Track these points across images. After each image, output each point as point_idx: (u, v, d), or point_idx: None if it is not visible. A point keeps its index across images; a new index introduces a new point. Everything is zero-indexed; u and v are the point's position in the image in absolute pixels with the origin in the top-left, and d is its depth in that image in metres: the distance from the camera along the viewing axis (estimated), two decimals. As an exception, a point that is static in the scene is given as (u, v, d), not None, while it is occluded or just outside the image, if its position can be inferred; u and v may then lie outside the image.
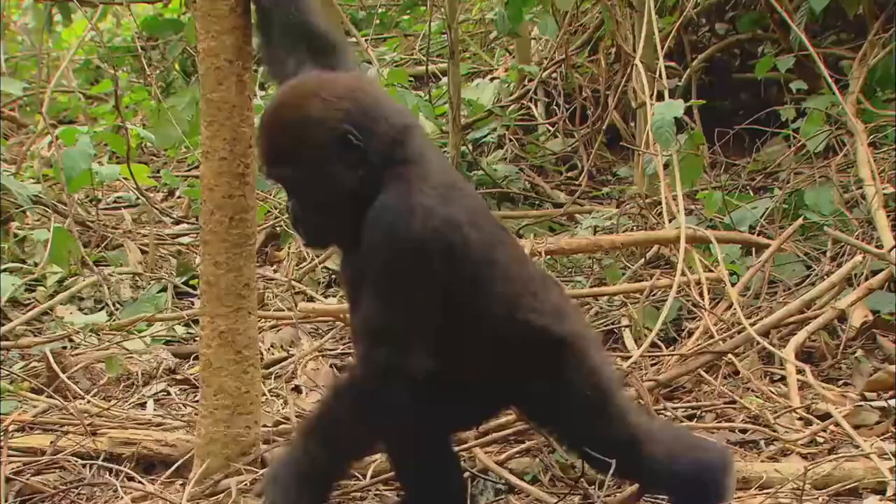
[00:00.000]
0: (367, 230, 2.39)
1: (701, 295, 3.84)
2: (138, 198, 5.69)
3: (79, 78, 8.54)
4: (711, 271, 4.00)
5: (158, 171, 6.79)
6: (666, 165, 4.34)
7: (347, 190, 2.44)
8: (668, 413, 3.33)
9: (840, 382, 3.64)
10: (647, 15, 4.54)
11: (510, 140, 6.37)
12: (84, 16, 6.30)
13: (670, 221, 4.21)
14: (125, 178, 5.43)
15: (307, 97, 2.46)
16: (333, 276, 5.12)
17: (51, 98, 6.60)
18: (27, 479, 3.03)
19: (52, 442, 3.15)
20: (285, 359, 4.10)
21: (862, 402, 3.35)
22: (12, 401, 3.60)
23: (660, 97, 4.38)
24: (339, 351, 4.25)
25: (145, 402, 3.68)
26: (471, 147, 6.03)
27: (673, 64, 5.77)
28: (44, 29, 6.58)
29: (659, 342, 3.89)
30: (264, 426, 3.10)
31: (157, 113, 6.34)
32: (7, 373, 3.89)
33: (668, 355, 3.58)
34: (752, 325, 3.60)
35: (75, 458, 3.12)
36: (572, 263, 4.92)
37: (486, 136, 6.36)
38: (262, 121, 2.52)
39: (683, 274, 3.87)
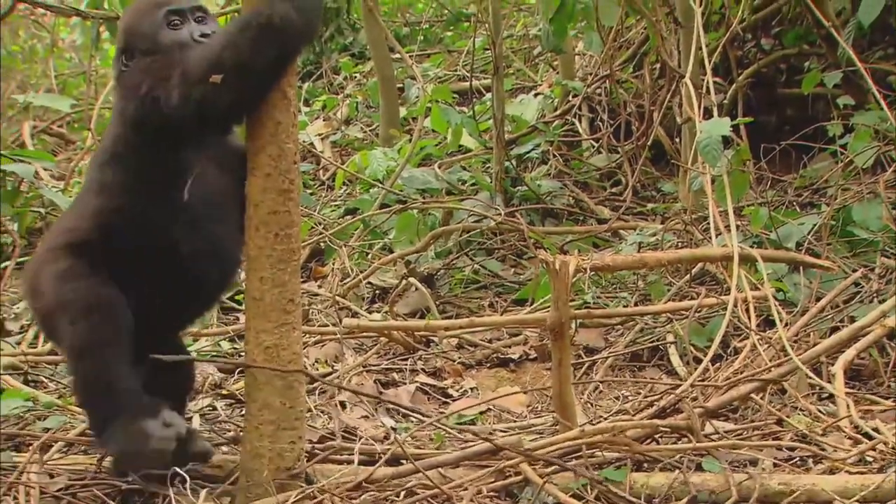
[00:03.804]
0: None
1: (747, 312, 3.81)
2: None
3: (126, 94, 8.61)
4: (758, 289, 3.97)
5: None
6: (712, 181, 4.31)
7: None
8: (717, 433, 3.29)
9: (890, 400, 3.59)
10: (696, 31, 4.52)
11: (554, 156, 6.37)
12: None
13: (716, 237, 4.18)
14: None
15: None
16: (377, 292, 5.13)
17: (98, 114, 6.68)
18: (75, 494, 3.04)
19: (98, 459, 3.16)
20: (330, 374, 4.11)
21: (912, 421, 3.31)
22: (61, 416, 3.62)
23: (707, 113, 4.36)
24: (382, 366, 4.26)
25: (191, 417, 3.69)
26: (515, 163, 6.03)
27: (719, 79, 5.75)
28: (91, 46, 6.64)
29: (702, 358, 3.85)
30: (309, 441, 3.10)
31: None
32: (57, 386, 3.92)
33: (716, 386, 3.55)
34: (800, 348, 3.57)
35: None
36: (616, 279, 4.90)
37: (530, 152, 6.36)
38: None
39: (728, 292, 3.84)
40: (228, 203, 2.95)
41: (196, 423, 3.63)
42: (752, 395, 3.53)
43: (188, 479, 2.82)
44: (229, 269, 3.07)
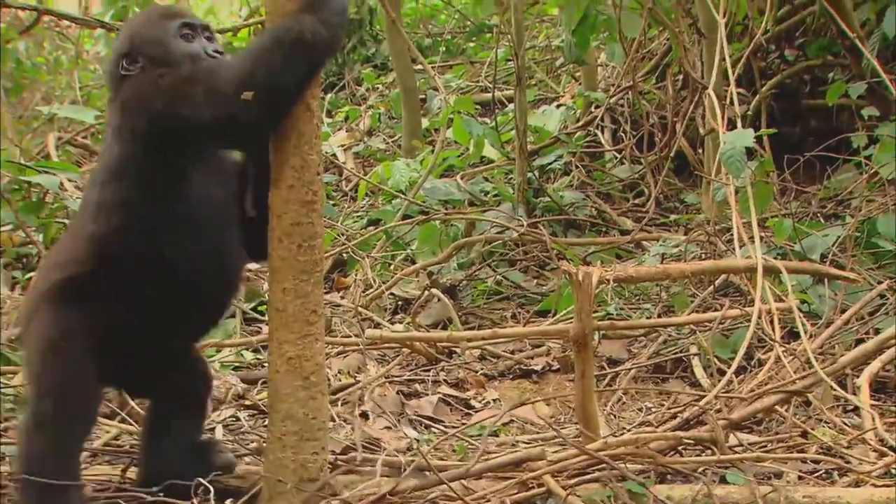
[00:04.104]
0: None
1: (771, 324, 3.79)
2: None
3: (150, 105, 8.65)
4: (782, 300, 3.95)
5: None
6: (736, 192, 4.30)
7: None
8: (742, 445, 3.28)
9: (916, 413, 3.57)
10: (719, 42, 4.51)
11: (576, 167, 6.36)
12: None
13: (740, 249, 4.16)
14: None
15: None
16: (400, 303, 5.13)
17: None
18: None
19: (122, 470, 3.17)
20: (352, 385, 4.11)
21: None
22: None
23: (730, 124, 4.35)
24: (405, 377, 4.26)
25: (215, 428, 3.70)
26: (537, 174, 6.02)
27: (742, 90, 5.73)
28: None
29: (726, 369, 3.84)
30: (332, 452, 3.10)
31: (226, 140, 6.39)
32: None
33: (741, 398, 3.53)
34: (824, 360, 3.55)
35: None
36: (640, 291, 4.89)
37: (552, 163, 6.36)
38: (162, 6, 2.95)
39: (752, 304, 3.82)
40: (227, 216, 2.94)
41: (219, 433, 3.64)
42: (777, 408, 3.51)
43: (212, 490, 2.83)
44: (233, 282, 3.04)
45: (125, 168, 2.81)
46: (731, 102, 4.41)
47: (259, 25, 7.23)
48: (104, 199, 2.83)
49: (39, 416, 2.73)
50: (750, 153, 4.33)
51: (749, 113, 5.78)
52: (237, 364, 4.39)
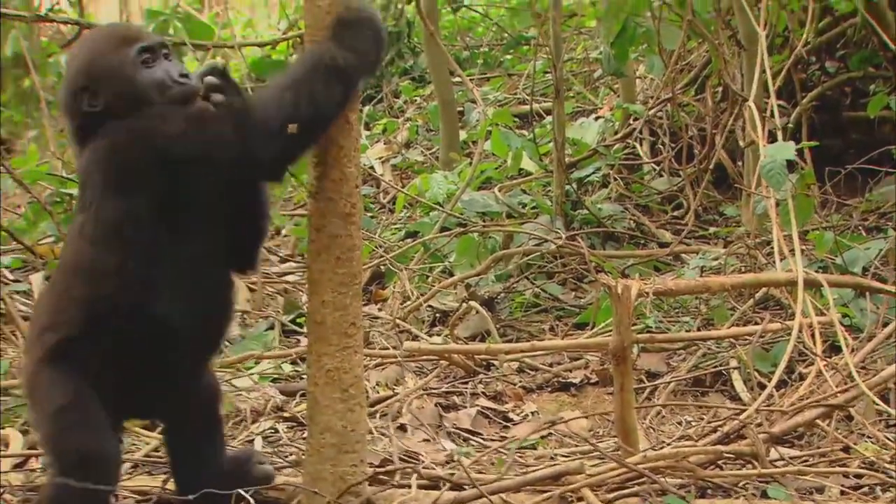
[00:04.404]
0: None
1: (813, 338, 3.76)
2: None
3: (189, 118, 8.71)
4: (823, 314, 3.92)
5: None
6: (776, 205, 4.28)
7: None
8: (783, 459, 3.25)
9: (960, 427, 3.54)
10: (759, 54, 4.49)
11: (615, 179, 6.34)
12: (195, 58, 6.45)
13: (781, 262, 4.13)
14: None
15: None
16: (438, 315, 5.13)
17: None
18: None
19: (163, 481, 3.19)
20: (390, 397, 4.11)
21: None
22: (125, 438, 3.66)
23: (771, 137, 4.32)
24: (443, 390, 4.25)
25: (253, 440, 3.71)
26: (575, 186, 6.01)
27: (782, 102, 5.70)
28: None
29: (766, 383, 3.81)
30: (370, 465, 3.10)
31: (264, 153, 6.42)
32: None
33: (782, 412, 3.51)
34: (866, 374, 3.52)
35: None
36: (679, 303, 4.87)
37: (590, 175, 6.34)
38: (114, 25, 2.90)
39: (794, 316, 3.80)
40: (218, 263, 2.84)
41: (258, 445, 3.65)
42: (818, 422, 3.49)
43: (252, 502, 2.84)
44: (224, 321, 2.94)
45: (122, 227, 2.68)
46: (772, 115, 4.39)
47: (298, 39, 7.27)
48: (98, 262, 2.72)
49: (61, 487, 2.70)
50: (790, 166, 4.30)
51: (789, 125, 5.75)
52: (276, 376, 4.40)
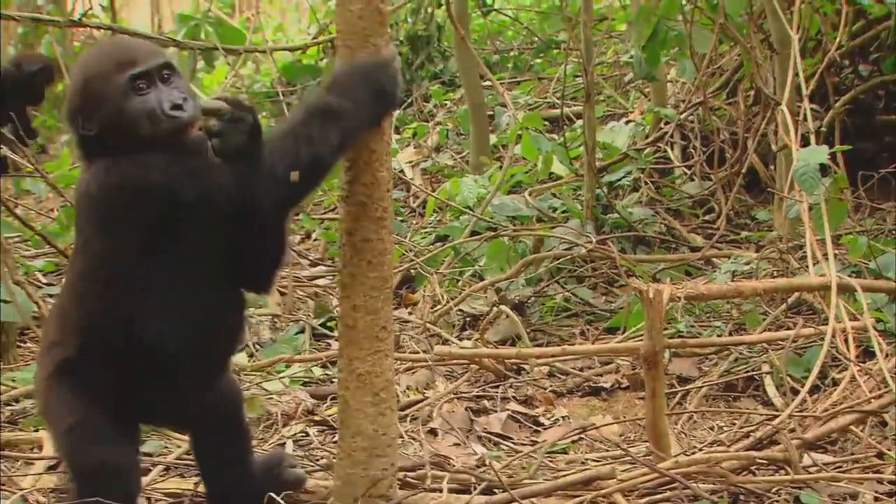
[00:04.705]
0: None
1: (846, 343, 3.74)
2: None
3: (221, 123, 8.75)
4: (857, 319, 3.89)
5: (296, 214, 6.92)
6: (809, 209, 4.25)
7: None
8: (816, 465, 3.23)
9: None
10: (792, 57, 4.47)
11: (646, 183, 6.32)
12: (226, 62, 6.49)
13: (814, 266, 4.11)
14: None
15: None
16: (468, 319, 5.13)
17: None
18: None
19: (195, 484, 3.21)
20: (421, 401, 4.11)
21: None
22: (157, 441, 3.68)
23: (804, 141, 4.30)
24: (473, 394, 4.25)
25: (285, 443, 3.72)
26: (606, 190, 6.00)
27: (815, 106, 5.67)
28: (189, 75, 6.78)
29: (799, 388, 3.79)
30: (400, 469, 3.10)
31: (295, 157, 6.45)
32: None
33: (815, 417, 3.49)
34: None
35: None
36: (710, 308, 4.84)
37: (621, 179, 6.32)
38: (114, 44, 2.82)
39: (826, 321, 3.78)
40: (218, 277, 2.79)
41: (289, 448, 3.66)
42: (852, 427, 3.46)
43: (282, 504, 2.85)
44: (233, 333, 2.91)
45: (108, 262, 2.67)
46: (805, 118, 4.37)
47: (328, 43, 7.29)
48: (88, 288, 2.72)
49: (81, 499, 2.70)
50: (823, 169, 4.27)
51: (822, 129, 5.71)
52: (306, 379, 4.42)
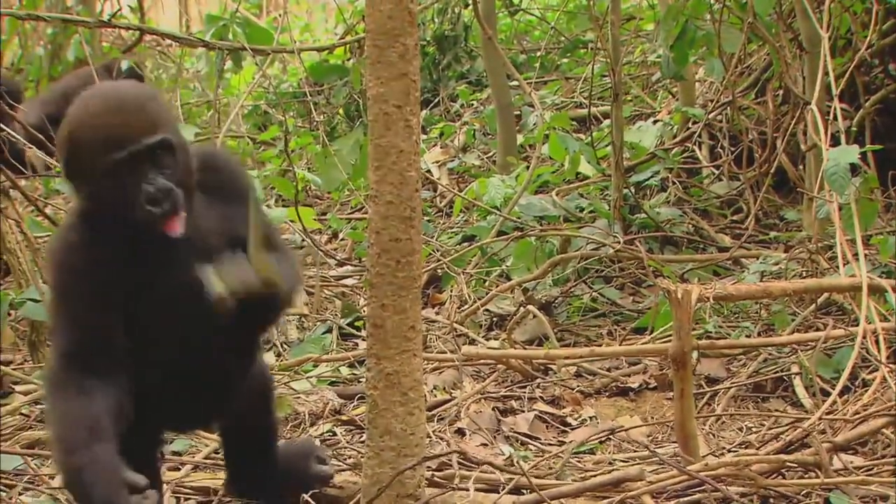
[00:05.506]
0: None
1: (877, 344, 3.71)
2: (304, 240, 5.80)
3: (247, 123, 8.80)
4: (888, 320, 3.86)
5: (323, 214, 6.93)
6: (839, 209, 4.23)
7: None
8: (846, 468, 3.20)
9: None
10: (822, 56, 4.44)
11: (673, 183, 6.30)
12: (254, 62, 6.50)
13: (844, 267, 4.08)
14: (291, 221, 5.55)
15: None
16: (495, 319, 5.12)
17: (222, 143, 6.82)
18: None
19: (225, 480, 3.21)
20: (448, 401, 4.11)
21: None
22: (185, 440, 3.69)
23: (834, 140, 4.27)
24: (501, 394, 4.24)
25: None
26: (633, 190, 5.98)
27: (845, 106, 5.62)
28: (216, 76, 6.79)
29: (830, 390, 3.76)
30: (428, 468, 3.10)
31: (322, 156, 6.47)
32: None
33: (846, 420, 3.47)
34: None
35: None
36: (738, 308, 4.82)
37: (648, 179, 6.29)
38: (108, 104, 2.53)
39: (857, 322, 3.75)
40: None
41: (317, 447, 3.67)
42: (883, 430, 3.43)
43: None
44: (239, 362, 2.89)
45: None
46: (835, 118, 4.34)
47: (356, 43, 7.30)
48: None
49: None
50: (853, 169, 4.25)
51: (852, 128, 5.67)
52: (334, 379, 4.42)
